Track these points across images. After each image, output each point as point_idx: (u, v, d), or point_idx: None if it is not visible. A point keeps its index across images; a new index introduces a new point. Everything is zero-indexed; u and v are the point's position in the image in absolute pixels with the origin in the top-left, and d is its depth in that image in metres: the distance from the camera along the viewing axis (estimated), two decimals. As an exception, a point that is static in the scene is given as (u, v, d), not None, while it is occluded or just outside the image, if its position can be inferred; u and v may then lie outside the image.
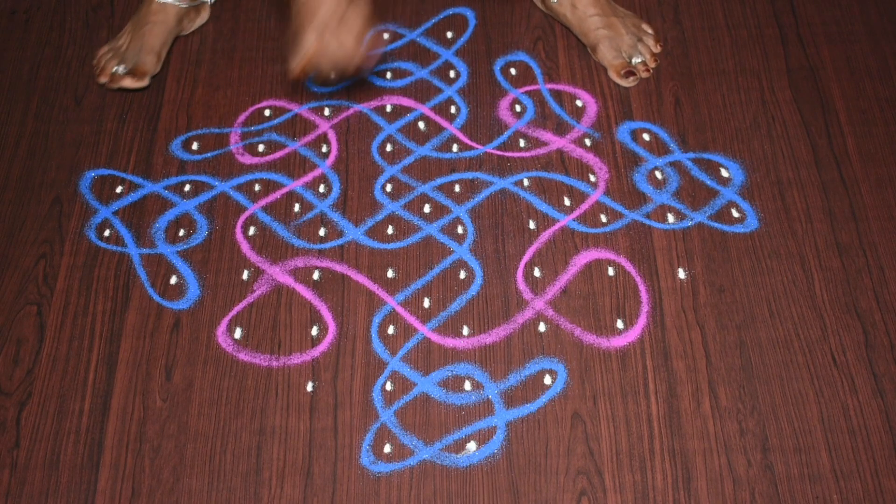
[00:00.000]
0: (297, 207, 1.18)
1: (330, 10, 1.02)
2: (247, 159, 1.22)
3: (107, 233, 1.17)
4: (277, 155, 1.22)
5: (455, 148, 1.23)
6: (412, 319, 1.09)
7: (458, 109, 1.26)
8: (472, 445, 1.00)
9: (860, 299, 1.08)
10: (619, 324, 1.08)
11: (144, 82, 1.27)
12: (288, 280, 1.12)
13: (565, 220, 1.16)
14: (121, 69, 1.27)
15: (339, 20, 1.02)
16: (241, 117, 1.26)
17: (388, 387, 1.04)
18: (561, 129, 1.23)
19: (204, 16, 1.35)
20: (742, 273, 1.11)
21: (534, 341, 1.07)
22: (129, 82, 1.26)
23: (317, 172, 1.21)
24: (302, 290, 1.11)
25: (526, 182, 1.19)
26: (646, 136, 1.22)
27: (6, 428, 1.03)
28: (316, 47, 1.02)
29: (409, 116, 1.26)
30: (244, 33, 1.34)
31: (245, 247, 1.15)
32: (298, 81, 1.01)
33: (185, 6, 1.30)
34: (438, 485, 0.98)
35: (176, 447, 1.01)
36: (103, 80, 1.28)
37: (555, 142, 1.22)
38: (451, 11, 1.35)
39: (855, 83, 1.26)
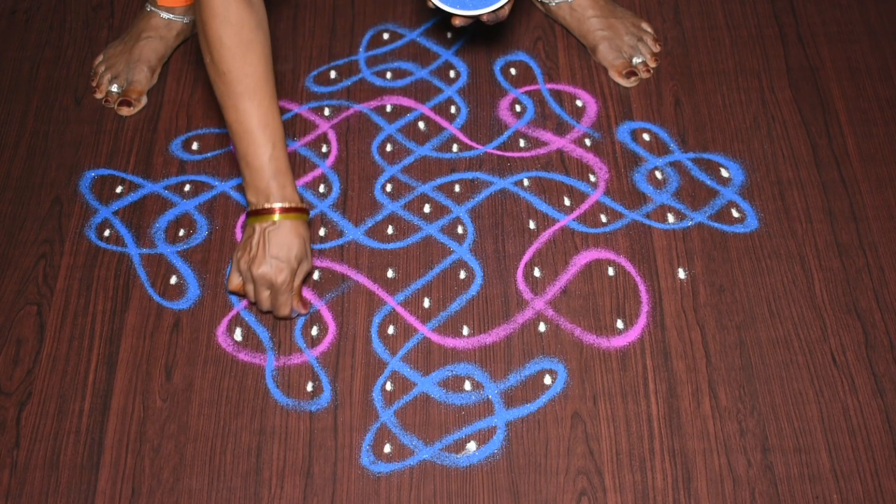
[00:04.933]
0: (297, 207, 1.18)
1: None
2: (247, 159, 1.22)
3: (107, 233, 1.17)
4: (277, 155, 1.22)
5: (455, 148, 1.22)
6: (412, 319, 1.09)
7: (458, 109, 1.26)
8: (472, 445, 1.00)
9: (860, 299, 1.08)
10: (619, 324, 1.08)
11: (140, 104, 1.26)
12: (288, 280, 1.12)
13: (565, 220, 1.16)
14: (115, 88, 1.26)
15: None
16: (241, 117, 1.26)
17: (388, 387, 1.04)
18: (561, 129, 1.23)
19: None
20: (742, 273, 1.11)
21: (534, 341, 1.07)
22: (124, 111, 1.26)
23: (317, 172, 1.21)
24: (302, 290, 1.11)
25: (526, 182, 1.19)
26: (646, 136, 1.22)
27: (6, 428, 1.03)
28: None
29: (409, 116, 1.26)
30: (244, 33, 1.34)
31: (245, 247, 1.15)
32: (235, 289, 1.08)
33: (187, 21, 1.29)
34: (438, 485, 0.98)
35: (176, 447, 1.01)
36: (99, 96, 1.28)
37: (555, 142, 1.22)
38: (451, 11, 1.35)
39: (855, 83, 1.26)
